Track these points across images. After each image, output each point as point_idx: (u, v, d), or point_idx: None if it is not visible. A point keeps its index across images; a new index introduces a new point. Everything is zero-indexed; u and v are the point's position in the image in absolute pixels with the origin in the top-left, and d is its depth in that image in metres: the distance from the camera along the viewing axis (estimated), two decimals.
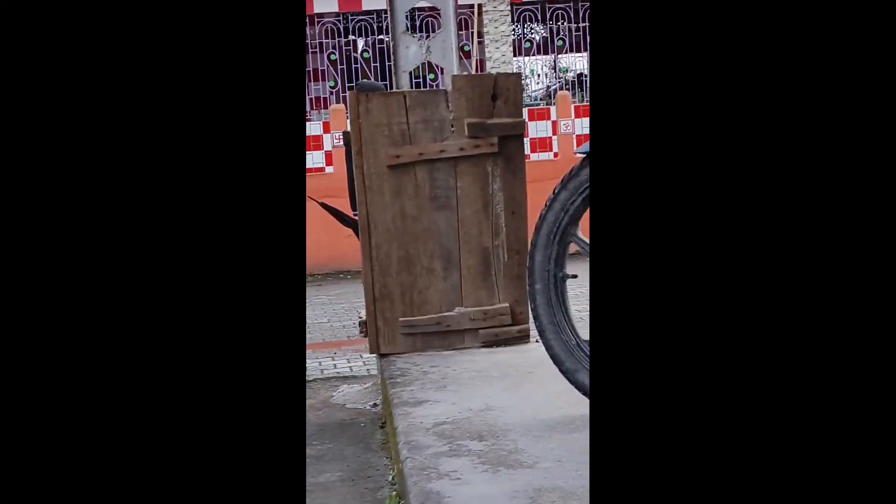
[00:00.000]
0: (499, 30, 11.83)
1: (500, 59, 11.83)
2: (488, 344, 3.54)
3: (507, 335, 3.55)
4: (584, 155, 2.48)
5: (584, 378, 2.48)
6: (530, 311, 2.61)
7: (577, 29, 12.21)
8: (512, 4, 11.92)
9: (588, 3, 11.96)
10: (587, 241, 2.52)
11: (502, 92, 3.49)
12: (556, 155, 9.95)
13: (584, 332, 2.58)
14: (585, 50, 12.64)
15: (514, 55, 12.21)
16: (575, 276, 2.57)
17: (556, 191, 2.51)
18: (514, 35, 12.18)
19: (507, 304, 3.55)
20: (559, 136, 9.68)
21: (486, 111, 3.49)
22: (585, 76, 12.76)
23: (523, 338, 3.56)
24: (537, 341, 2.60)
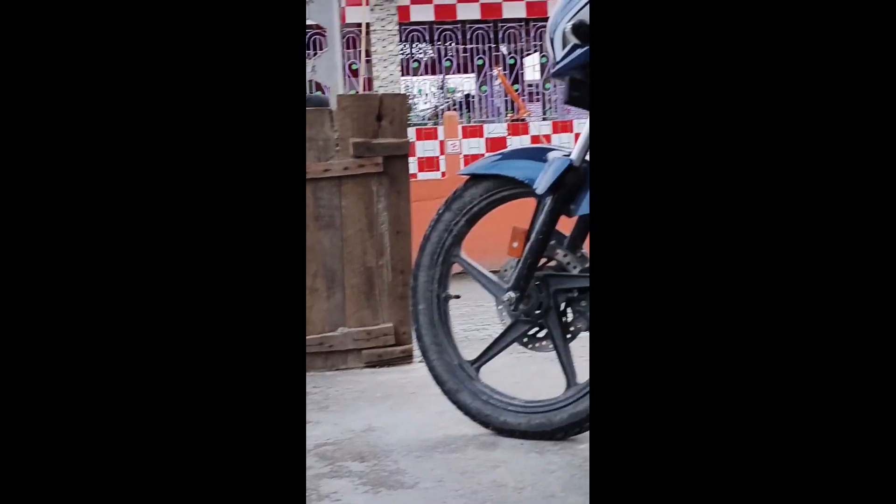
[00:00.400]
0: (387, 49, 11.87)
1: (387, 78, 11.87)
2: (372, 364, 3.53)
3: (390, 355, 3.54)
4: (468, 175, 2.51)
5: (466, 398, 2.50)
6: (413, 332, 2.62)
7: (465, 50, 12.35)
8: (400, 24, 11.98)
9: (474, 27, 12.11)
10: (470, 261, 2.55)
11: (388, 112, 3.50)
12: (443, 174, 10.03)
13: (467, 353, 2.60)
14: (472, 71, 12.78)
15: (402, 74, 12.27)
16: (458, 297, 2.59)
17: (440, 211, 2.53)
18: (402, 55, 12.25)
19: (391, 325, 3.55)
20: (446, 155, 9.75)
21: (371, 131, 3.49)
22: (472, 96, 12.91)
23: (407, 358, 3.56)
24: (421, 361, 2.61)
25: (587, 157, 2.31)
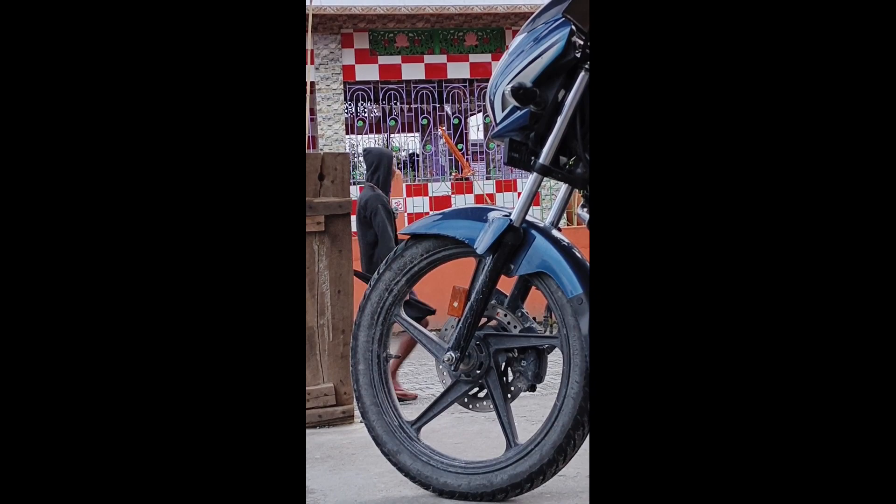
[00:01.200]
0: (331, 108, 11.92)
1: (332, 136, 11.90)
2: (312, 425, 3.48)
3: (330, 416, 3.50)
4: (409, 235, 2.51)
5: (406, 459, 2.47)
6: (354, 392, 2.59)
7: (410, 110, 12.45)
8: (345, 83, 12.05)
9: (419, 87, 12.23)
10: (410, 321, 2.54)
11: (329, 171, 3.50)
12: None
13: (407, 413, 2.58)
14: (417, 130, 12.88)
15: (347, 133, 12.31)
16: (398, 357, 2.57)
17: (381, 271, 2.52)
18: (346, 113, 12.30)
19: (332, 385, 3.51)
20: None
21: (312, 190, 3.48)
22: (417, 155, 12.99)
23: (347, 418, 3.52)
24: (362, 422, 2.57)
25: (527, 217, 2.33)
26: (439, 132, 12.01)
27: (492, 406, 2.39)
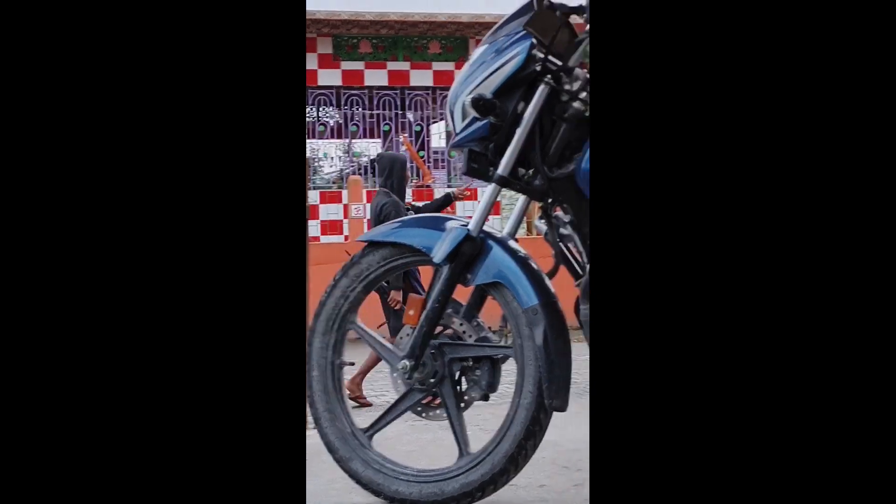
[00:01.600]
0: None
1: None
2: None
3: None
4: (366, 242, 2.51)
5: (358, 466, 2.47)
6: (307, 399, 2.58)
7: (372, 116, 12.43)
8: (307, 88, 12.01)
9: (382, 93, 12.23)
10: (365, 328, 2.54)
11: None
12: (346, 238, 10.01)
13: (360, 420, 2.58)
14: (379, 136, 12.87)
15: (309, 138, 12.27)
16: (352, 364, 2.57)
17: (337, 278, 2.51)
18: (308, 118, 12.26)
19: None
20: (350, 219, 9.75)
21: None
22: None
23: None
24: (314, 428, 2.57)
25: (484, 227, 2.34)
26: (401, 139, 12.02)
27: (445, 415, 2.40)
